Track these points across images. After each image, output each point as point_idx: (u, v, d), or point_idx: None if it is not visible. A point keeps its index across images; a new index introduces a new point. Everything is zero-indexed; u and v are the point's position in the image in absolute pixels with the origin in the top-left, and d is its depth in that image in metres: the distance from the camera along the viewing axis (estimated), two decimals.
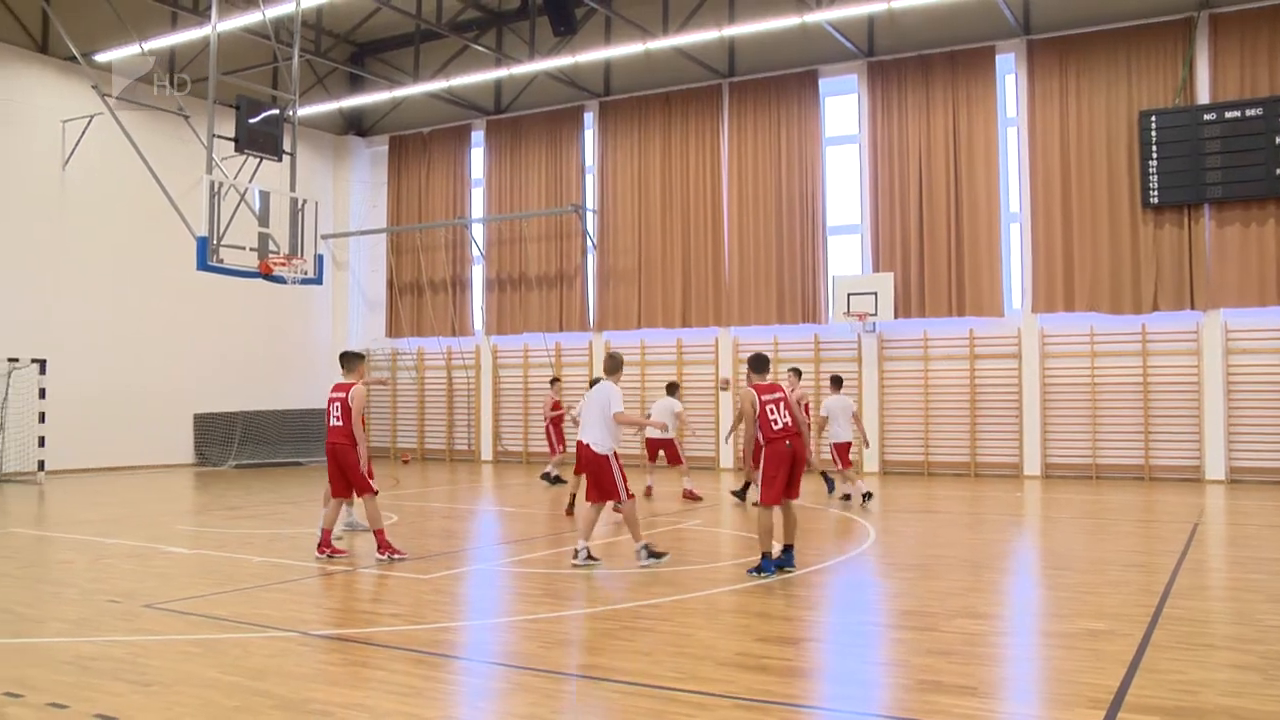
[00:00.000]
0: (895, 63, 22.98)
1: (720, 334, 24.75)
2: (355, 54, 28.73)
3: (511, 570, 10.98)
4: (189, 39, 22.48)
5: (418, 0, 24.00)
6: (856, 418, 16.72)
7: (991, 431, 22.21)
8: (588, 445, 10.76)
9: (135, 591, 9.50)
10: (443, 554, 11.77)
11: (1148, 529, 14.33)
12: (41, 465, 21.14)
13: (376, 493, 11.41)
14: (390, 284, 29.74)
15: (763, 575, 9.91)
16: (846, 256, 23.97)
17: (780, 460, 10.06)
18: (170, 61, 25.05)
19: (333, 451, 11.25)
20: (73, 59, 21.34)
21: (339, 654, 7.32)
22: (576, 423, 13.12)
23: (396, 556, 10.94)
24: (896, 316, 22.45)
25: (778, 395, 10.29)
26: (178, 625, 8.16)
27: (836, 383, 16.89)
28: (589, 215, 26.55)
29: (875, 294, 22.23)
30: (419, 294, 29.15)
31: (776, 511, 10.18)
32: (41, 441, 21.18)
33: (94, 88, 19.13)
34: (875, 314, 22.23)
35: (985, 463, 22.17)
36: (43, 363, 21.35)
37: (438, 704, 6.24)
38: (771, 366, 11.70)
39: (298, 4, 18.38)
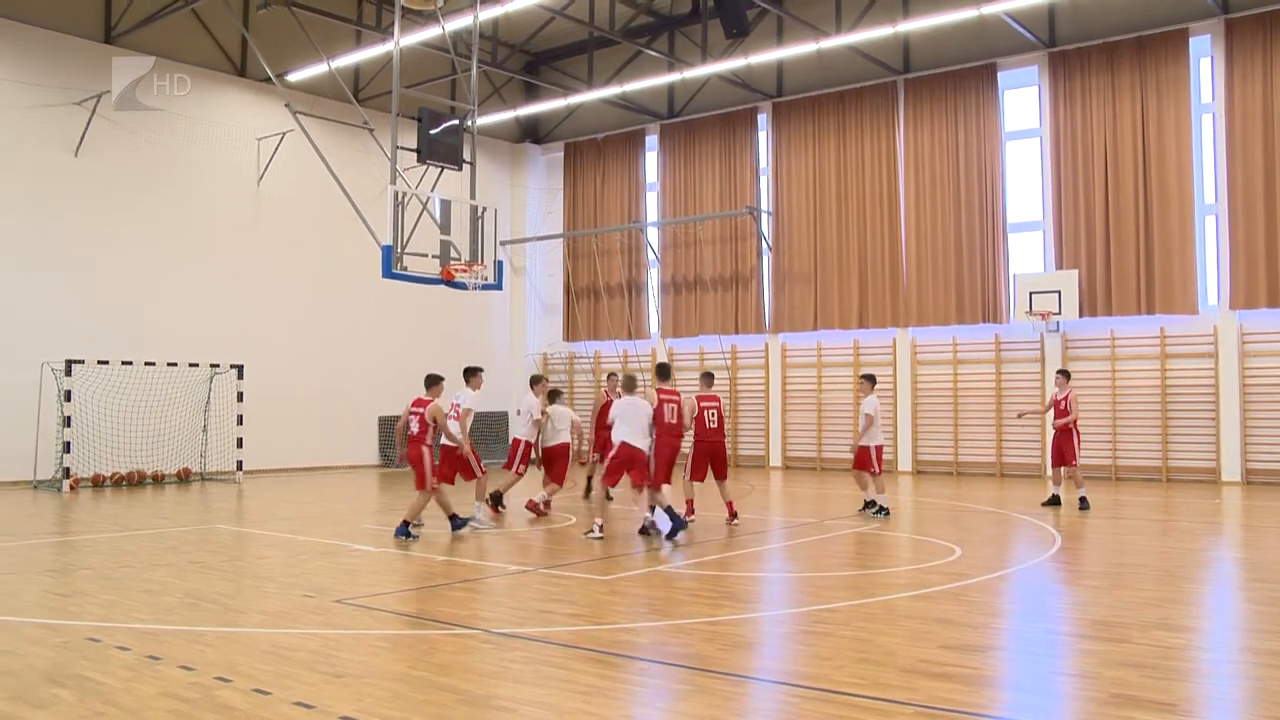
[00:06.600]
0: (1078, 52, 22.14)
1: (898, 335, 24.30)
2: (530, 63, 29.35)
3: (689, 572, 10.99)
4: (373, 55, 23.43)
5: (590, 8, 24.34)
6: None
7: (1185, 435, 21.15)
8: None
9: (327, 587, 9.88)
10: (621, 555, 11.87)
11: None
12: (240, 465, 22.25)
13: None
14: (567, 288, 30.23)
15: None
16: (1028, 254, 23.26)
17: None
18: (355, 77, 26.08)
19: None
20: (267, 80, 22.41)
21: (520, 652, 7.44)
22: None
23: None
24: (1081, 315, 21.64)
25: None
26: (366, 620, 8.45)
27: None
28: (764, 217, 26.45)
29: (1059, 292, 21.49)
30: (595, 298, 29.53)
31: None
32: (240, 443, 22.31)
33: (286, 106, 20.00)
34: (1059, 312, 21.48)
35: (1178, 467, 21.13)
36: (240, 368, 22.50)
37: (618, 703, 6.28)
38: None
39: (475, 17, 18.83)
